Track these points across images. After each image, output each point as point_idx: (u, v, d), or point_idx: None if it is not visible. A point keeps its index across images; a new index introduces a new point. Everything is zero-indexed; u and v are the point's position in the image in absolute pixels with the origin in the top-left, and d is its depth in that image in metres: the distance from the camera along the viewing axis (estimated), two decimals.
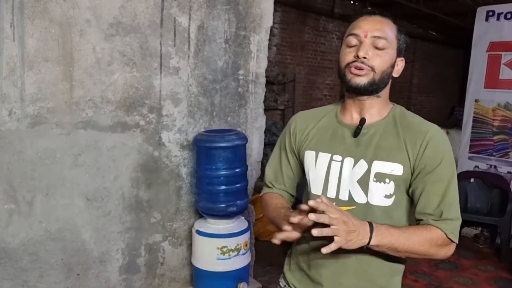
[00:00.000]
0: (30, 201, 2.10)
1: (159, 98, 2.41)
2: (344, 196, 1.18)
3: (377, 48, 1.13)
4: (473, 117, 4.39)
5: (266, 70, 2.83)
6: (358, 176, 1.16)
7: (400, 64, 1.20)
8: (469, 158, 4.42)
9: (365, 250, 1.09)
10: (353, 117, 1.22)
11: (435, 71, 11.98)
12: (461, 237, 4.26)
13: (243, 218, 2.58)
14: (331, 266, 1.19)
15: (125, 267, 2.45)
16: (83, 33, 2.13)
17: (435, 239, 1.11)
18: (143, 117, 2.38)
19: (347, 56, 1.15)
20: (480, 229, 4.32)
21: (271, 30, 2.85)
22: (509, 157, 4.17)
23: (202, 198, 2.45)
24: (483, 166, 4.32)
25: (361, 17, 1.18)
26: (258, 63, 2.76)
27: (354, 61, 1.13)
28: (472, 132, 4.41)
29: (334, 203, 1.15)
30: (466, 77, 4.47)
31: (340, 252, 1.08)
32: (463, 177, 4.20)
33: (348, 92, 1.20)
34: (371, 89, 1.15)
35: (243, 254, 2.46)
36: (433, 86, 12.10)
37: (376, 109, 1.20)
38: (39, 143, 2.09)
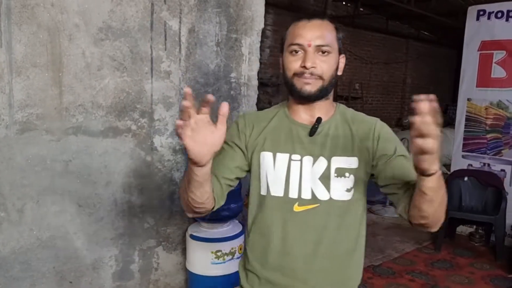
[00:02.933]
0: (20, 208, 2.07)
1: (151, 102, 2.40)
2: (306, 195, 1.18)
3: (321, 53, 1.15)
4: (466, 116, 4.40)
5: (260, 72, 2.82)
6: (319, 173, 1.18)
7: (342, 61, 1.23)
8: (463, 156, 4.43)
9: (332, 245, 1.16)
10: (302, 117, 1.24)
11: (428, 71, 12.04)
12: (456, 235, 4.29)
13: (237, 221, 2.57)
14: (300, 263, 1.19)
15: (119, 273, 2.42)
16: (72, 38, 2.10)
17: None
18: (134, 121, 2.36)
19: (293, 64, 1.17)
20: (475, 227, 4.33)
21: (263, 32, 2.84)
22: (502, 155, 4.18)
23: None
24: (476, 164, 4.33)
25: (299, 22, 1.19)
26: (250, 66, 2.75)
27: (302, 72, 1.15)
28: (465, 131, 4.42)
29: (297, 203, 1.18)
30: (459, 76, 4.49)
31: (309, 246, 1.14)
32: (457, 175, 4.21)
33: (296, 98, 1.22)
34: (321, 95, 1.19)
35: (238, 258, 2.44)
36: (426, 85, 12.14)
37: (324, 110, 1.23)
38: (29, 150, 2.06)
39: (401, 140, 4.98)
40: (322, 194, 1.18)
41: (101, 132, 2.25)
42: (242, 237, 2.47)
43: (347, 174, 1.18)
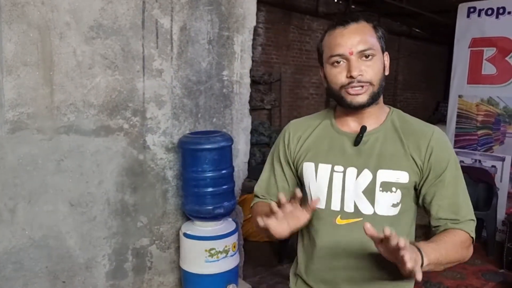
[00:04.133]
0: (12, 208, 2.06)
1: (143, 100, 2.39)
2: (349, 208, 1.13)
3: (365, 58, 1.09)
4: (457, 112, 4.43)
5: (252, 70, 2.82)
6: (363, 187, 1.12)
7: (387, 59, 1.17)
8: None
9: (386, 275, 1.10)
10: (350, 125, 1.18)
11: (419, 68, 12.10)
12: None
13: (230, 219, 2.57)
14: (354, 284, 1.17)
15: (112, 272, 2.42)
16: (62, 36, 2.09)
17: (464, 242, 1.09)
18: (126, 120, 2.35)
19: (339, 77, 1.10)
20: None
21: (255, 30, 2.84)
22: (493, 151, 4.22)
23: (189, 201, 2.43)
24: (468, 161, 4.37)
25: (335, 29, 1.12)
26: (242, 64, 2.75)
27: (349, 82, 1.09)
28: (456, 128, 4.45)
29: (339, 216, 1.14)
30: (450, 73, 4.52)
31: (350, 260, 1.12)
32: None
33: (346, 108, 1.15)
34: (373, 102, 1.12)
35: (232, 255, 2.44)
36: (418, 82, 12.22)
37: (374, 116, 1.16)
38: (20, 149, 2.05)
39: None
40: (366, 208, 1.12)
41: (93, 131, 2.24)
42: (235, 234, 2.48)
43: (393, 189, 1.11)
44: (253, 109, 2.95)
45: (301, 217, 1.04)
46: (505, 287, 3.21)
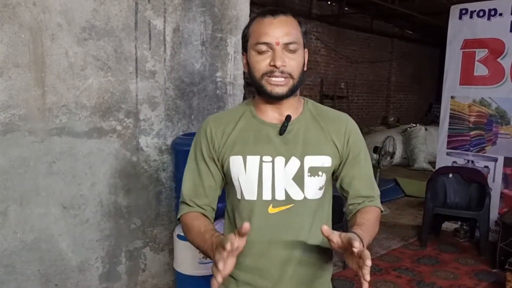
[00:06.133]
0: (3, 211, 2.04)
1: (136, 102, 2.38)
2: (280, 196, 1.17)
3: (289, 51, 1.12)
4: (450, 113, 4.46)
5: (245, 72, 2.81)
6: (292, 174, 1.16)
7: (306, 56, 1.21)
8: (447, 154, 4.49)
9: (306, 253, 1.18)
10: (271, 116, 1.20)
11: (412, 70, 12.17)
12: (441, 231, 4.31)
13: (223, 221, 2.56)
14: (274, 271, 1.19)
15: (106, 275, 2.40)
16: (54, 38, 2.08)
17: (378, 217, 1.21)
18: (119, 122, 2.34)
19: (262, 64, 1.13)
20: (459, 223, 4.39)
21: None
22: (485, 152, 4.25)
23: None
24: (460, 161, 4.39)
25: (264, 18, 1.14)
26: (235, 65, 2.75)
27: (271, 71, 1.12)
28: (449, 128, 4.48)
29: (271, 205, 1.17)
30: (443, 75, 4.54)
31: (285, 250, 1.16)
32: (441, 172, 4.27)
33: (265, 98, 1.18)
34: (292, 94, 1.17)
35: None
36: (411, 84, 12.29)
37: (294, 107, 1.21)
38: (12, 151, 2.03)
39: (387, 138, 5.05)
40: (297, 194, 1.17)
41: (85, 132, 2.23)
42: None
43: (320, 173, 1.17)
44: None
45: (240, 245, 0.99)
46: (498, 287, 3.23)
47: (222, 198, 2.55)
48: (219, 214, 2.53)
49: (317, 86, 9.30)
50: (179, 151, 2.38)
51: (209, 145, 1.22)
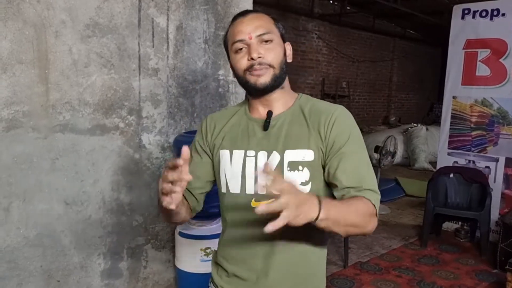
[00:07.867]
0: (6, 207, 2.05)
1: (139, 99, 2.38)
2: (262, 190, 1.17)
3: (265, 43, 1.15)
4: (451, 113, 4.46)
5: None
6: (272, 168, 1.15)
7: (289, 48, 1.23)
8: (448, 154, 4.49)
9: (293, 237, 1.14)
10: (260, 111, 1.23)
11: (414, 69, 12.16)
12: (442, 231, 4.32)
13: None
14: (258, 259, 1.20)
15: (107, 272, 2.41)
16: (58, 35, 2.08)
17: (366, 208, 1.09)
18: (122, 119, 2.34)
19: (241, 62, 1.17)
20: (460, 223, 4.40)
21: None
22: (486, 152, 4.25)
23: None
24: (462, 161, 4.40)
25: (235, 21, 1.20)
26: None
27: (251, 65, 1.15)
28: (450, 128, 4.48)
29: (254, 199, 1.18)
30: (444, 75, 4.54)
31: (268, 242, 1.14)
32: (442, 172, 4.27)
33: (253, 94, 1.22)
34: (276, 84, 1.18)
35: None
36: (412, 84, 12.28)
37: (282, 101, 1.22)
38: (15, 147, 2.04)
39: (388, 137, 5.03)
40: None
41: (89, 129, 2.23)
42: None
43: (300, 168, 1.16)
44: None
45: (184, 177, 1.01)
46: (498, 287, 3.24)
47: None
48: (220, 212, 2.53)
49: (318, 85, 9.30)
50: (181, 149, 2.39)
51: (203, 139, 1.29)
